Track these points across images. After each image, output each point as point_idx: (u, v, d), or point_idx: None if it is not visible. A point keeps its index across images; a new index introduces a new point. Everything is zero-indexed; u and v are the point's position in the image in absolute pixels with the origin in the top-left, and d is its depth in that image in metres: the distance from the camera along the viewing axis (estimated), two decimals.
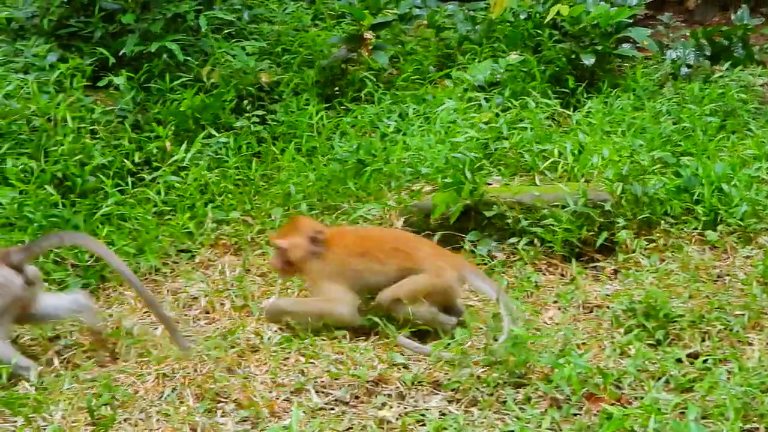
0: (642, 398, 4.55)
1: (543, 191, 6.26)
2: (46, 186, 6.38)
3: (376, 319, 5.22)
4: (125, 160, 6.98)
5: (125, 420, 4.54)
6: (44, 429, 4.43)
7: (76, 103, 7.19)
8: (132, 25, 8.08)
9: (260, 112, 7.85)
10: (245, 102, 7.93)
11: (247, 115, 7.73)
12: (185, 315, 5.67)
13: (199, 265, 6.22)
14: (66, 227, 6.11)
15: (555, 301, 5.62)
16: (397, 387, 4.74)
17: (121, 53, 7.93)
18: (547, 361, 4.73)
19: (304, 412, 4.53)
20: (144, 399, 4.71)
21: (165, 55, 7.96)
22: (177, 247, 6.34)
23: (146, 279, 6.01)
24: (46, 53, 7.77)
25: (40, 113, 6.92)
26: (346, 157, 7.09)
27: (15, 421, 4.52)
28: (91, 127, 7.11)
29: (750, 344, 5.09)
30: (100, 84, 7.67)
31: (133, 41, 7.96)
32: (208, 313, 5.68)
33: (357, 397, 4.70)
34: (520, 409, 4.49)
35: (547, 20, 8.48)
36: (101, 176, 6.69)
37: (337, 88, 8.48)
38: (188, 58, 8.09)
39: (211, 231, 6.44)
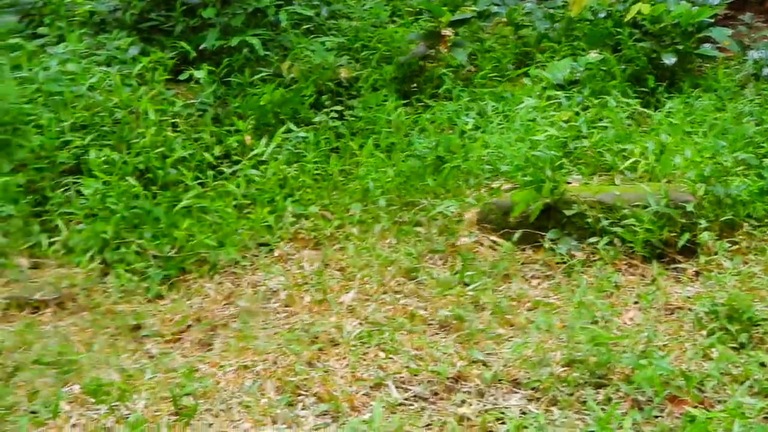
0: (725, 402, 4.48)
1: (624, 191, 6.19)
2: (128, 177, 6.46)
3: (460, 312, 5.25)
4: (205, 153, 7.03)
5: (207, 410, 4.58)
6: (127, 417, 4.49)
7: (158, 96, 7.28)
8: (213, 20, 8.16)
9: (339, 108, 7.88)
10: (324, 97, 7.97)
11: (325, 110, 7.77)
12: (264, 308, 5.70)
13: (278, 258, 6.25)
14: (147, 219, 6.20)
15: (635, 302, 5.55)
16: (477, 384, 4.73)
17: (201, 47, 8.02)
18: (628, 362, 4.69)
19: (383, 407, 4.54)
20: (225, 390, 4.76)
21: (245, 50, 8.03)
22: (256, 241, 6.37)
23: (226, 271, 6.06)
24: (128, 46, 7.87)
25: (122, 105, 7.02)
26: (424, 153, 7.08)
27: (98, 409, 4.60)
28: (172, 120, 7.18)
29: None
30: (181, 78, 7.75)
31: (214, 35, 8.04)
32: (287, 306, 5.70)
33: (436, 394, 4.69)
34: (602, 409, 4.46)
35: (627, 19, 8.40)
36: (182, 169, 6.75)
37: (415, 85, 8.48)
38: (268, 52, 8.15)
39: (290, 225, 6.45)
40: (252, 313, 5.60)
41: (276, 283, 5.92)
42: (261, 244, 6.38)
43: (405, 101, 8.13)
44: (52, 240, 6.11)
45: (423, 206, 6.52)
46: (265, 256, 6.27)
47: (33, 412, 4.50)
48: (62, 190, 6.43)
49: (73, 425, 4.46)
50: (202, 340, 5.37)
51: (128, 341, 5.34)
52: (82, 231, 6.09)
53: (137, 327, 5.48)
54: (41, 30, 8.30)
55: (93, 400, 4.64)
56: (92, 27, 8.50)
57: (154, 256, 6.03)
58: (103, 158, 6.58)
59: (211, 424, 4.48)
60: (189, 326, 5.51)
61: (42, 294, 5.64)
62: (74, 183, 6.47)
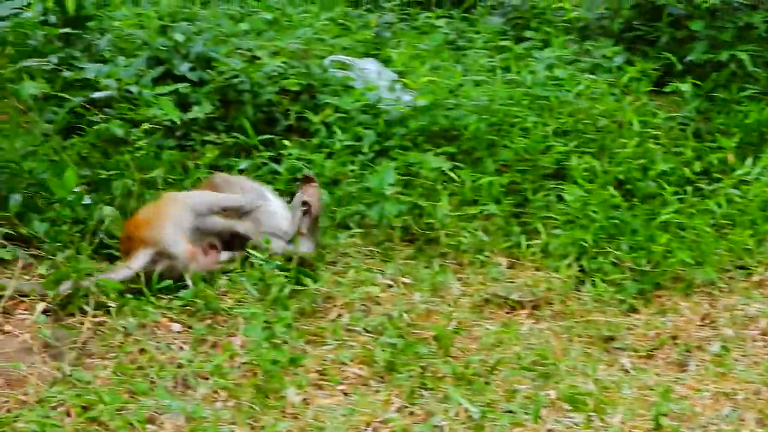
0: None
1: None
2: (608, 187, 6.45)
3: None
4: (685, 169, 6.88)
5: None
6: (602, 429, 4.46)
7: (642, 107, 7.22)
8: (700, 32, 7.97)
9: None
10: None
11: None
12: (741, 334, 5.49)
13: (757, 284, 6.01)
14: (625, 230, 6.15)
15: None
16: None
17: (687, 59, 7.85)
18: None
19: None
20: (702, 415, 4.63)
21: (732, 65, 7.77)
22: (734, 263, 6.16)
23: (701, 291, 5.91)
24: (613, 55, 7.87)
25: (606, 114, 7.02)
26: None
27: (573, 418, 4.60)
28: (654, 132, 7.09)
29: None
30: (666, 90, 7.63)
31: (702, 48, 7.85)
32: (766, 335, 5.47)
33: None
34: None
35: None
36: (661, 182, 6.65)
37: None
38: (756, 69, 7.83)
39: None
40: (729, 338, 5.41)
41: (755, 310, 5.69)
42: (739, 267, 6.16)
43: None
44: (530, 242, 6.20)
45: None
46: (743, 280, 6.04)
47: (510, 412, 4.57)
48: (543, 194, 6.52)
49: (549, 430, 4.49)
50: (677, 360, 5.26)
51: (601, 352, 5.32)
52: (560, 236, 6.14)
53: (610, 338, 5.45)
54: (527, 33, 8.49)
55: (569, 408, 4.65)
56: (576, 33, 8.57)
57: (630, 269, 5.97)
58: (584, 165, 6.60)
59: None
60: (662, 344, 5.41)
61: (519, 295, 5.74)
62: (554, 188, 6.54)
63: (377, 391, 4.76)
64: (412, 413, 4.57)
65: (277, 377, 4.63)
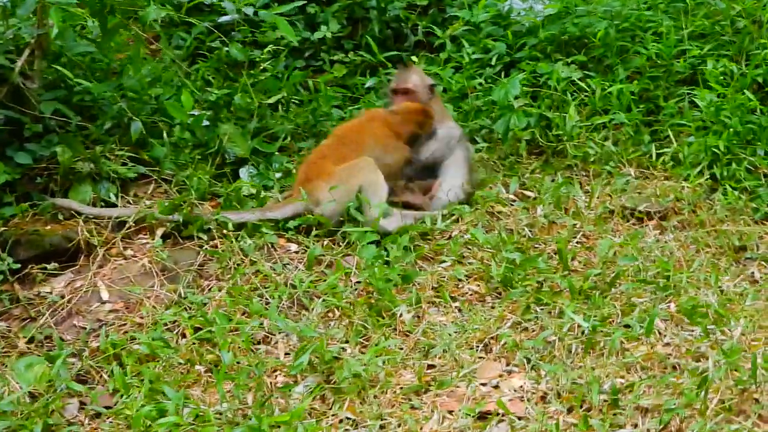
0: None
1: None
2: (745, 91, 6.18)
3: None
4: None
5: None
6: (722, 342, 4.33)
7: None
8: None
9: None
10: None
11: None
12: None
13: None
14: (762, 135, 5.91)
15: None
16: None
17: None
18: None
19: None
20: None
21: None
22: None
23: None
24: None
25: (745, 15, 6.70)
26: None
27: (692, 331, 4.48)
28: None
29: None
30: None
31: None
32: None
33: None
34: None
35: None
36: None
37: None
38: None
39: None
40: None
41: None
42: None
43: None
44: (660, 151, 6.02)
45: None
46: None
47: (626, 326, 4.48)
48: (675, 100, 6.30)
49: (666, 344, 4.38)
50: None
51: (730, 263, 5.15)
52: (692, 144, 5.94)
53: (741, 248, 5.27)
54: None
55: (688, 321, 4.53)
56: None
57: (765, 175, 5.74)
58: (720, 69, 6.34)
59: None
60: None
61: (646, 206, 5.59)
62: (688, 94, 6.31)
63: (492, 307, 4.75)
64: (526, 329, 4.54)
65: (389, 295, 4.66)
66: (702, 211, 5.54)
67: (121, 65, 5.97)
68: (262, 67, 6.31)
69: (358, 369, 4.13)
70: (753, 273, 5.06)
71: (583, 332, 4.38)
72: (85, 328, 4.61)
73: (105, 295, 4.81)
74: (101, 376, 4.29)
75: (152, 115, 5.81)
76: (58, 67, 5.55)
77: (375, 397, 4.07)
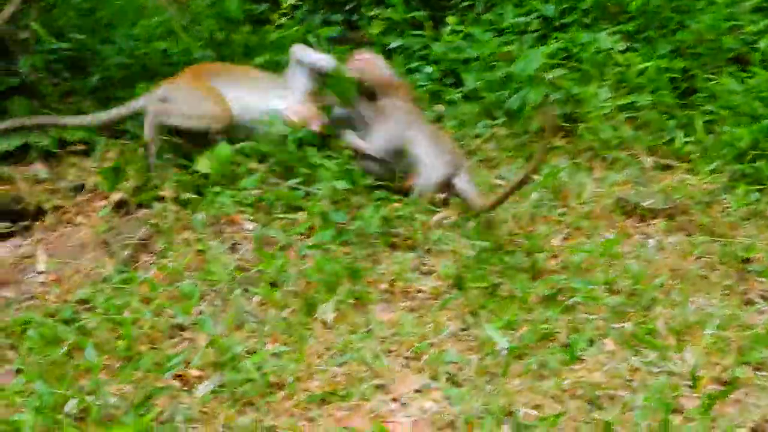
0: None
1: None
2: None
3: None
4: None
5: None
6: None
7: None
8: None
9: None
10: None
11: None
12: None
13: None
14: None
15: None
16: None
17: None
18: None
19: None
20: None
21: None
22: None
23: None
24: None
25: None
26: None
27: (647, 357, 3.96)
28: None
29: None
30: None
31: None
32: None
33: None
34: None
35: None
36: None
37: None
38: None
39: None
40: None
41: None
42: None
43: None
44: (687, 140, 5.45)
45: None
46: None
47: (566, 346, 4.01)
48: (714, 83, 5.67)
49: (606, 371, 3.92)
50: None
51: (726, 276, 4.56)
52: (722, 134, 5.34)
53: (746, 260, 4.66)
54: None
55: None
56: None
57: None
58: None
59: None
60: None
61: (652, 202, 5.01)
62: (731, 75, 5.68)
63: (440, 309, 4.33)
64: (461, 340, 4.13)
65: (319, 290, 4.31)
66: (712, 211, 4.97)
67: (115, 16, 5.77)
68: (278, 23, 6.05)
69: (253, 372, 3.83)
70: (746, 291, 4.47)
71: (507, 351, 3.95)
72: (10, 300, 4.41)
73: (41, 266, 4.63)
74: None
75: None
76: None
77: (267, 404, 3.75)
